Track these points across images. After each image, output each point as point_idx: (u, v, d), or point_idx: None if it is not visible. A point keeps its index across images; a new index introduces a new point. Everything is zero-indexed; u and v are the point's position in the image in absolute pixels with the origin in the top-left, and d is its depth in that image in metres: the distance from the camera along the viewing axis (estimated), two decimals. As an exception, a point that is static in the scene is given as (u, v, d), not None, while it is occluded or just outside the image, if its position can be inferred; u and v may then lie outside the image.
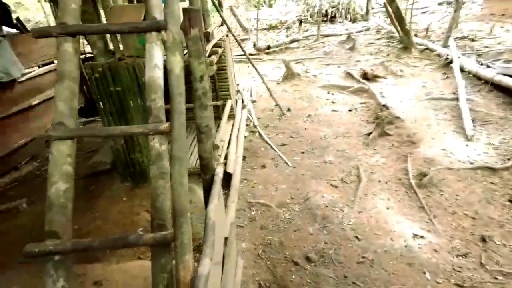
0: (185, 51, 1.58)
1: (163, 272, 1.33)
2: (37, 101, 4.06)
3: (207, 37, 3.08)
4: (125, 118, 2.81)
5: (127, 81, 2.66)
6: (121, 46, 2.90)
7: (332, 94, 5.38)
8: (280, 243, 2.31)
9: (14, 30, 4.04)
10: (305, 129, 4.20)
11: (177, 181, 1.23)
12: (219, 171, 1.57)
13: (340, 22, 11.03)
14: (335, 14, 11.25)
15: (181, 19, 1.44)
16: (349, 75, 6.09)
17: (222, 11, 4.39)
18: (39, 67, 4.24)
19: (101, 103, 2.77)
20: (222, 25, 4.17)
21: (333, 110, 4.72)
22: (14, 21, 4.24)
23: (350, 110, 4.68)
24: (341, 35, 9.20)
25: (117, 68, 2.63)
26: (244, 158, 3.48)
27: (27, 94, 3.95)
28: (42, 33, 1.54)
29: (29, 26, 9.21)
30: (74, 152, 1.50)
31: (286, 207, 2.71)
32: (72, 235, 1.49)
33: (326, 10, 11.20)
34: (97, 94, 2.74)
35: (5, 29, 3.98)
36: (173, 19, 1.38)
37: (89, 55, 4.76)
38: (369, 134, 3.86)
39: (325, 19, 10.98)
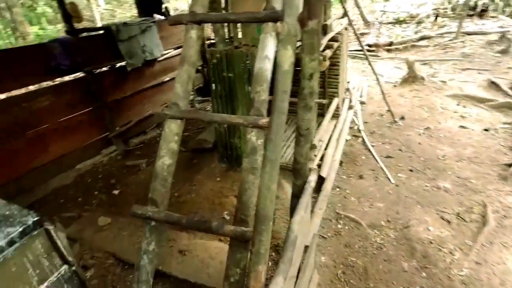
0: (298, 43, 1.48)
1: (237, 267, 1.32)
2: (167, 78, 4.75)
3: (325, 30, 2.90)
4: (231, 103, 2.96)
5: (239, 69, 2.78)
6: (240, 34, 3.03)
7: (464, 106, 4.42)
8: (364, 269, 2.04)
9: (162, 17, 4.77)
10: (419, 143, 3.59)
11: (265, 184, 1.17)
12: (312, 179, 1.44)
13: (493, 17, 8.89)
14: (487, 7, 9.09)
15: (300, 10, 1.33)
16: (494, 85, 4.87)
17: (345, 1, 4.09)
18: (174, 49, 4.92)
19: (213, 86, 2.98)
20: (343, 17, 3.89)
21: (461, 127, 3.87)
22: (163, 10, 5.00)
23: (486, 130, 3.74)
24: (491, 33, 7.43)
25: (232, 55, 2.76)
26: (341, 163, 3.23)
27: (162, 71, 4.66)
28: (175, 20, 1.70)
29: (175, 13, 10.85)
30: (181, 131, 1.63)
31: (379, 229, 2.38)
32: (168, 204, 1.65)
33: (476, 2, 9.15)
34: (212, 78, 2.96)
35: (157, 16, 4.73)
36: (291, 9, 1.28)
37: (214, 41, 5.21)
38: (511, 165, 3.00)
39: (471, 13, 9.02)
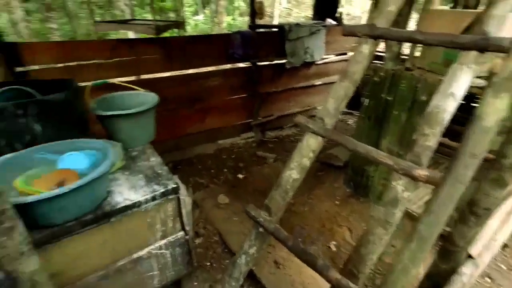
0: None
1: (328, 323, 1.14)
2: (319, 83, 4.74)
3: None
4: (380, 127, 2.63)
5: (402, 94, 2.40)
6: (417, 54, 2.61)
7: None
8: None
9: (333, 22, 4.74)
10: None
11: (404, 265, 0.91)
12: (467, 272, 1.05)
13: None
14: None
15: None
16: None
17: None
18: (335, 55, 4.83)
19: (366, 104, 2.72)
20: None
21: None
22: (337, 15, 4.96)
23: None
24: None
25: (400, 77, 2.41)
26: (504, 246, 2.38)
27: (316, 75, 4.67)
28: (350, 31, 1.57)
29: (347, 19, 10.73)
30: (319, 149, 1.52)
31: None
32: (283, 212, 1.61)
33: None
34: (366, 94, 2.70)
35: (329, 20, 4.74)
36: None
37: (380, 54, 4.81)
38: None
39: None
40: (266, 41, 3.89)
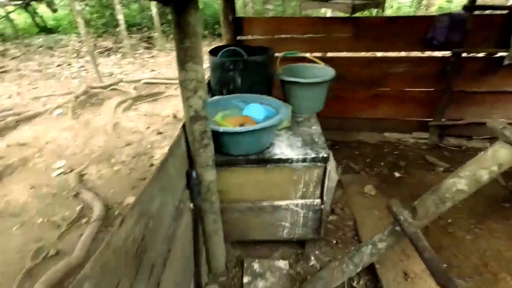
0: None
1: None
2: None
3: None
4: None
5: None
6: None
7: None
8: None
9: None
10: None
11: None
12: None
13: None
14: None
15: None
16: None
17: None
18: None
19: None
20: None
21: None
22: None
23: None
24: None
25: None
26: None
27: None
28: None
29: None
30: (509, 166, 1.19)
31: None
32: (431, 221, 1.41)
33: None
34: None
35: None
36: None
37: None
38: None
39: None
40: (482, 27, 3.11)
